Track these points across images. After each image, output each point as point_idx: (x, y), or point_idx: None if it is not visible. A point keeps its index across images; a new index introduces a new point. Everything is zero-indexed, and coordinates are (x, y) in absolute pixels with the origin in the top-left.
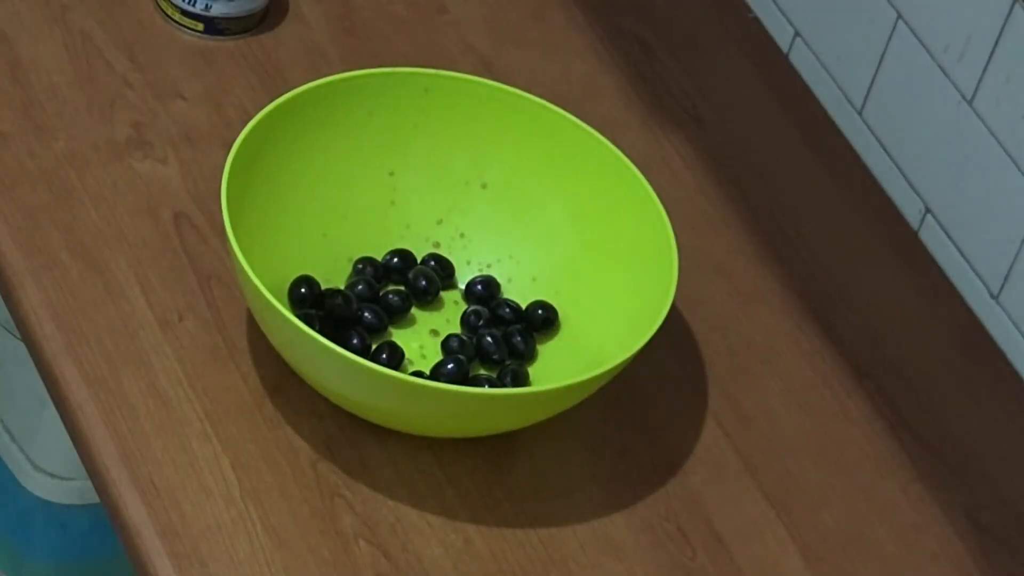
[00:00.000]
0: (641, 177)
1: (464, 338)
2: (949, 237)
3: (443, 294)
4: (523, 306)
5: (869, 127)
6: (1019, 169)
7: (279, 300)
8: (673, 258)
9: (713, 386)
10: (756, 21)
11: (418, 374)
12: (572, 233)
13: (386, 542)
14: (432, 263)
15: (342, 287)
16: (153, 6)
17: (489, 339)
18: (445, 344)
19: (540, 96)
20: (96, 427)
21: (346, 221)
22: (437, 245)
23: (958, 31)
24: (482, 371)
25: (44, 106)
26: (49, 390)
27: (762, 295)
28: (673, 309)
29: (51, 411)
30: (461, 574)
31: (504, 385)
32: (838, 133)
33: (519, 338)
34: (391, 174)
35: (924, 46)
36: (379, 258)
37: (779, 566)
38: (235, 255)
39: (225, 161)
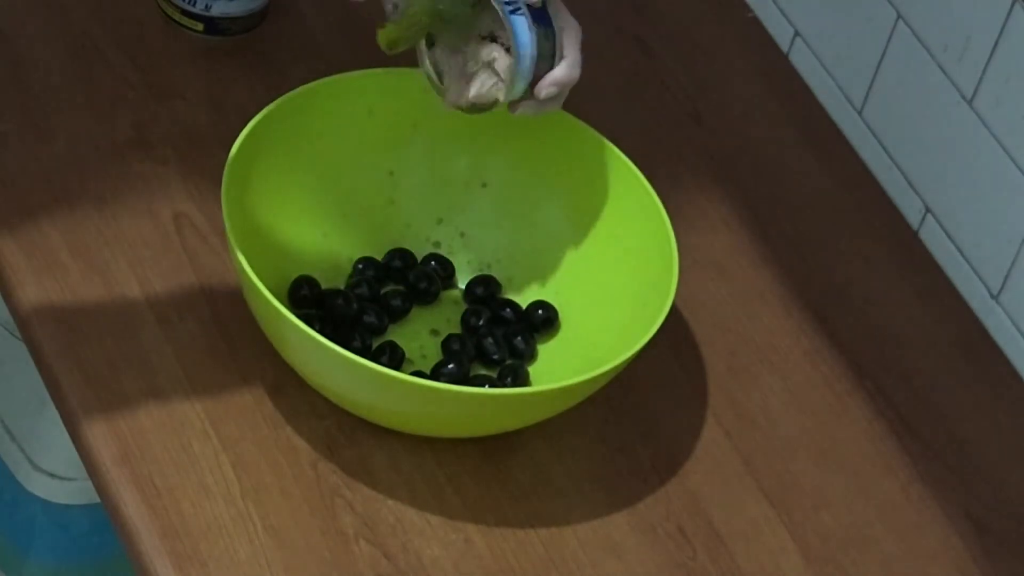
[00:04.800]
0: (641, 177)
1: (464, 338)
2: (949, 237)
3: (443, 294)
4: (523, 306)
5: (869, 127)
6: (1019, 169)
7: (279, 300)
8: (673, 258)
9: (713, 386)
10: (756, 21)
11: (418, 374)
12: (572, 233)
13: (386, 542)
14: (432, 263)
15: (342, 287)
16: (153, 6)
17: (489, 339)
18: (445, 344)
19: None
20: (96, 427)
21: (346, 221)
22: (437, 245)
23: (958, 31)
24: (482, 371)
25: (44, 106)
26: (49, 390)
27: (762, 295)
28: (673, 309)
29: (51, 411)
30: (461, 574)
31: (504, 385)
32: (838, 133)
33: (519, 338)
34: (391, 174)
35: (924, 46)
36: (379, 258)
37: (779, 566)
38: (235, 255)
39: (225, 161)
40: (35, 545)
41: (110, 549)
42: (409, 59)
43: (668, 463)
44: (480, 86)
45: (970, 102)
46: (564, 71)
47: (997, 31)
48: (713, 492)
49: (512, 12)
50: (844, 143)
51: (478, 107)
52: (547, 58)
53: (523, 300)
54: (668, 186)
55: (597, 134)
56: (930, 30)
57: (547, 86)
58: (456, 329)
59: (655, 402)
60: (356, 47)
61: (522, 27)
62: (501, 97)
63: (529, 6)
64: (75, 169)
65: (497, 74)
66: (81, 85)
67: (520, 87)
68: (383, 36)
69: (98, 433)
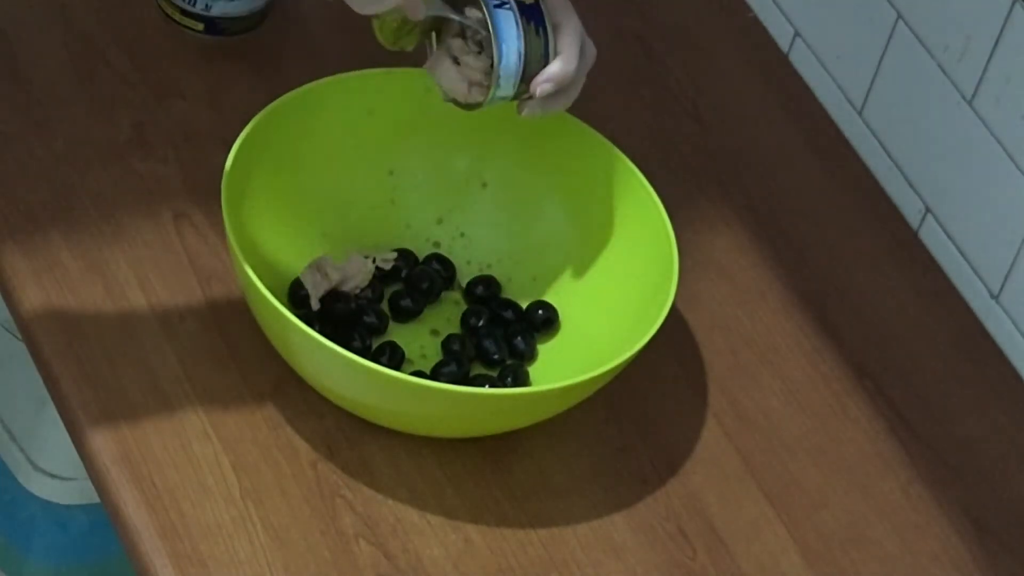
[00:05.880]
0: (641, 177)
1: (464, 338)
2: (949, 237)
3: (443, 294)
4: (523, 306)
5: (869, 127)
6: (1019, 169)
7: (279, 300)
8: (673, 258)
9: (713, 386)
10: (756, 21)
11: (418, 374)
12: (572, 233)
13: (386, 542)
14: (434, 263)
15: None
16: (153, 6)
17: (489, 339)
18: (445, 344)
19: None
20: (96, 427)
21: (346, 221)
22: (437, 245)
23: (958, 31)
24: (482, 371)
25: (44, 106)
26: (49, 390)
27: (762, 295)
28: (673, 309)
29: (51, 411)
30: (461, 574)
31: (504, 385)
32: (838, 133)
33: (519, 338)
34: (391, 173)
35: (924, 46)
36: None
37: (779, 566)
38: (235, 255)
39: (225, 161)
40: (35, 545)
41: (110, 549)
42: (409, 59)
43: (668, 463)
44: (449, 80)
45: (970, 102)
46: (558, 67)
47: (997, 31)
48: (713, 492)
49: (497, 7)
50: (844, 143)
51: (464, 105)
52: (539, 56)
53: (523, 300)
54: (668, 186)
55: (597, 134)
56: (930, 30)
57: (542, 83)
58: (456, 329)
59: (655, 402)
60: (356, 47)
61: (507, 23)
62: (480, 97)
63: (519, 2)
64: (75, 169)
65: (461, 73)
66: (81, 85)
67: (506, 86)
68: (379, 30)
69: (98, 433)
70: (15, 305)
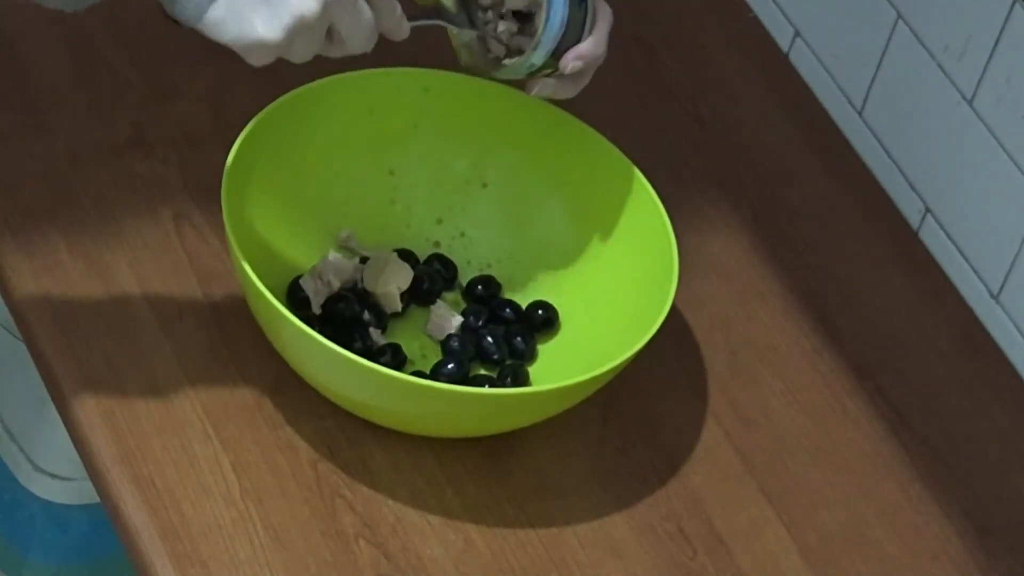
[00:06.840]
0: (641, 177)
1: (464, 338)
2: (949, 237)
3: (443, 294)
4: (523, 306)
5: (869, 127)
6: (1019, 169)
7: (279, 300)
8: (673, 258)
9: (713, 386)
10: (756, 21)
11: (418, 374)
12: (572, 233)
13: (386, 542)
14: (435, 263)
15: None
16: (154, 5)
17: (489, 339)
18: (445, 344)
19: None
20: (96, 427)
21: (346, 221)
22: (437, 245)
23: (958, 31)
24: (482, 371)
25: (44, 106)
26: (49, 390)
27: (762, 295)
28: (673, 309)
29: (51, 411)
30: (461, 574)
31: (504, 385)
32: (838, 133)
33: (519, 338)
34: (391, 173)
35: (924, 46)
36: None
37: (779, 566)
38: (235, 255)
39: (225, 161)
40: (35, 545)
41: (110, 549)
42: (409, 59)
43: (668, 463)
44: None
45: (970, 102)
46: (590, 46)
47: (997, 31)
48: (713, 492)
49: None
50: (844, 143)
51: (485, 70)
52: (576, 30)
53: (523, 300)
54: (668, 186)
55: (597, 134)
56: (930, 30)
57: (572, 59)
58: (456, 329)
59: (655, 402)
60: None
61: None
62: (510, 62)
63: None
64: (75, 169)
65: (502, 41)
66: (81, 85)
67: (541, 53)
68: None
69: (98, 433)
70: (15, 305)
